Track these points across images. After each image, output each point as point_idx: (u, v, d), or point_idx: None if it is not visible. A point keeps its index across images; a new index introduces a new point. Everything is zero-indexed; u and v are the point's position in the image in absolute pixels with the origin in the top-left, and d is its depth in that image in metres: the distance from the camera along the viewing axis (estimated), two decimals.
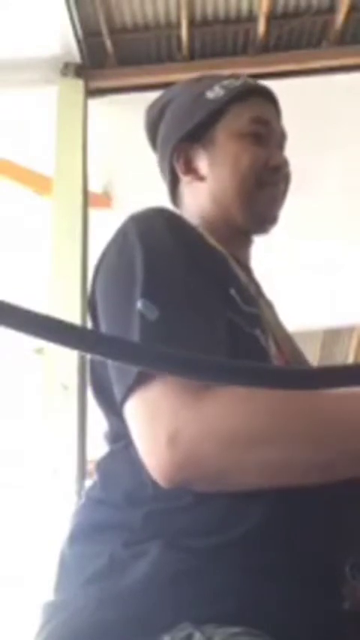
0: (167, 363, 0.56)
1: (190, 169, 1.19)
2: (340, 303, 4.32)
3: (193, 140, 1.19)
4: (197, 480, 0.81)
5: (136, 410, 0.84)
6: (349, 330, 5.14)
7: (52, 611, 0.86)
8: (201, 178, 1.17)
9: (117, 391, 0.87)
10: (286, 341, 1.08)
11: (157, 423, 0.80)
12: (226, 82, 1.20)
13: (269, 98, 1.22)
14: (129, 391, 0.84)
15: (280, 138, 1.20)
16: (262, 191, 1.14)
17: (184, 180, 1.20)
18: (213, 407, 0.81)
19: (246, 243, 1.19)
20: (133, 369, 0.82)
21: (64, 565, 0.91)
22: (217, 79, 1.22)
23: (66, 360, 2.46)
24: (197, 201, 1.18)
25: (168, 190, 1.25)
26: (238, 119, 1.17)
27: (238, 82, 1.20)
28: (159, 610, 0.78)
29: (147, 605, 0.78)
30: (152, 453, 0.81)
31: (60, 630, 0.82)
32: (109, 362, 0.90)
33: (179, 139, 1.20)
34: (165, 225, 0.99)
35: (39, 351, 3.61)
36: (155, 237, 0.96)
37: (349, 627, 0.82)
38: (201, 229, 1.09)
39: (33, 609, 0.90)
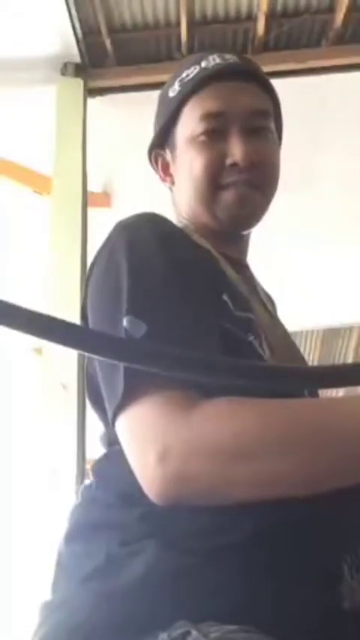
0: (167, 361, 0.56)
1: (168, 174, 1.14)
2: (340, 302, 4.33)
3: (166, 144, 1.13)
4: (189, 496, 0.80)
5: (125, 429, 0.84)
6: (349, 329, 5.15)
7: (49, 610, 0.86)
8: (173, 183, 1.13)
9: (107, 408, 0.86)
10: (282, 340, 1.07)
11: (146, 442, 0.80)
12: (184, 75, 1.10)
13: (237, 76, 1.08)
14: (118, 409, 0.83)
15: (246, 119, 1.05)
16: (225, 193, 1.05)
17: (165, 185, 1.16)
18: (201, 422, 0.80)
19: (236, 239, 1.12)
20: (120, 387, 0.81)
21: (60, 564, 0.91)
22: (182, 70, 1.11)
23: (65, 359, 2.46)
24: (179, 204, 1.13)
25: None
26: (190, 119, 1.07)
27: (194, 72, 1.09)
28: (156, 608, 0.78)
29: (143, 604, 0.78)
30: (143, 473, 0.80)
31: (57, 629, 0.82)
32: (100, 377, 0.90)
33: (153, 145, 1.15)
34: (153, 234, 0.95)
35: (38, 350, 3.61)
36: (142, 248, 0.94)
37: (349, 626, 0.82)
38: (189, 230, 1.06)
39: (32, 609, 0.90)
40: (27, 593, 2.23)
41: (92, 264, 1.00)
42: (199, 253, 1.00)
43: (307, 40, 3.21)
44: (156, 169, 1.16)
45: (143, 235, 0.95)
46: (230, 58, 1.10)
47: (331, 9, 3.09)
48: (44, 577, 0.93)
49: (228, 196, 1.05)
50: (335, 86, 3.20)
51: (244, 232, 1.11)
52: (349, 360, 5.34)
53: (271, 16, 3.06)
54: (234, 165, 1.03)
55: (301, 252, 3.85)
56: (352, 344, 5.32)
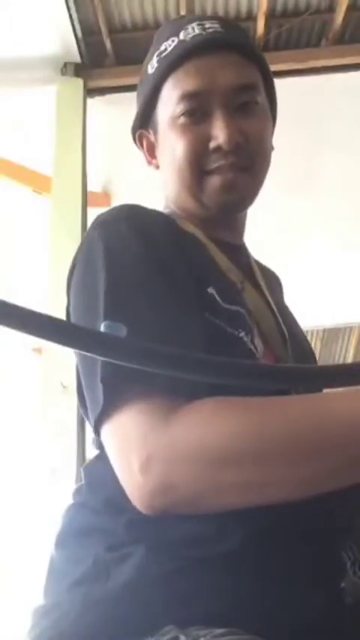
0: (167, 360, 0.56)
1: (154, 156, 1.07)
2: (340, 302, 4.32)
3: (149, 125, 1.05)
4: (175, 504, 0.77)
5: (108, 438, 0.82)
6: (349, 329, 5.15)
7: (40, 615, 0.86)
8: (157, 166, 1.06)
9: (90, 418, 0.84)
10: (277, 331, 1.01)
11: (129, 451, 0.77)
12: (162, 48, 1.02)
13: (218, 48, 0.99)
14: (100, 419, 0.81)
15: (229, 96, 0.97)
16: (210, 179, 0.98)
17: (151, 167, 1.09)
18: (183, 429, 0.77)
19: (228, 222, 1.05)
20: (100, 397, 0.79)
21: (51, 569, 0.91)
22: (160, 42, 1.04)
23: (65, 359, 2.45)
24: (165, 187, 1.06)
25: None
26: (170, 99, 0.99)
27: (172, 46, 1.00)
28: (143, 613, 0.77)
29: (131, 608, 0.78)
30: (129, 483, 0.79)
31: (46, 635, 0.82)
32: (82, 384, 0.88)
33: (135, 126, 1.08)
34: (130, 230, 0.90)
35: (38, 350, 3.61)
36: (119, 246, 0.89)
37: (351, 622, 0.81)
38: (176, 217, 1.01)
39: (27, 612, 0.90)
40: (26, 595, 2.22)
41: (72, 265, 0.96)
42: (185, 243, 0.95)
43: (307, 40, 3.22)
44: (142, 150, 1.09)
45: (120, 232, 0.91)
46: (211, 26, 1.00)
47: (331, 9, 3.09)
48: (43, 578, 0.92)
49: (214, 182, 0.98)
50: (335, 86, 3.20)
51: (232, 215, 1.04)
52: (349, 360, 5.34)
53: (271, 16, 3.06)
54: (218, 148, 0.96)
55: (301, 251, 3.84)
56: (352, 344, 5.32)
